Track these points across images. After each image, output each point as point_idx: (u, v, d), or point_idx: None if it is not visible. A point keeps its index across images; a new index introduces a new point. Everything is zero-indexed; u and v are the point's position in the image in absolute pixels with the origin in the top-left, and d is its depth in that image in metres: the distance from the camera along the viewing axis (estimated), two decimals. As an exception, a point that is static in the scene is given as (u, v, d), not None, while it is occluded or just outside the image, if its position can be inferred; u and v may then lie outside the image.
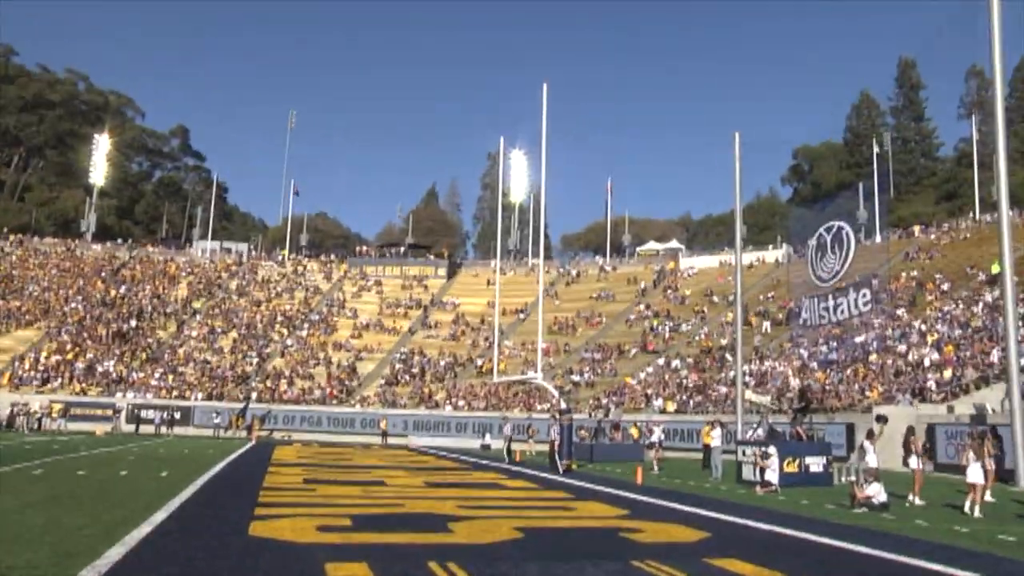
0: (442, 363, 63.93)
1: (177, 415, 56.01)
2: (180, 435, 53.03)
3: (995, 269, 46.62)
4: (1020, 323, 31.19)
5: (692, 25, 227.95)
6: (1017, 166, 76.77)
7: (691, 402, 48.12)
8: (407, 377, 62.05)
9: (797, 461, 25.73)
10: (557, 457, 29.84)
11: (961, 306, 46.68)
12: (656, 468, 31.76)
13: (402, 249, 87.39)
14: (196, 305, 74.36)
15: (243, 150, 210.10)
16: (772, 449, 25.04)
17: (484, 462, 34.20)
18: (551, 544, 13.17)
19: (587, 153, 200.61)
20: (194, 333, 68.85)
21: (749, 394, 35.63)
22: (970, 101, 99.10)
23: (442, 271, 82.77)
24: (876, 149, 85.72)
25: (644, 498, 20.33)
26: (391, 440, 50.64)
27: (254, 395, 58.44)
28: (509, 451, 36.80)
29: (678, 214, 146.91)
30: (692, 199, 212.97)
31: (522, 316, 70.16)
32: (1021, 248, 44.06)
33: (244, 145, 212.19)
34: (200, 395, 58.30)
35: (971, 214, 70.76)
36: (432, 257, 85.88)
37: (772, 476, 24.08)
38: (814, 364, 47.24)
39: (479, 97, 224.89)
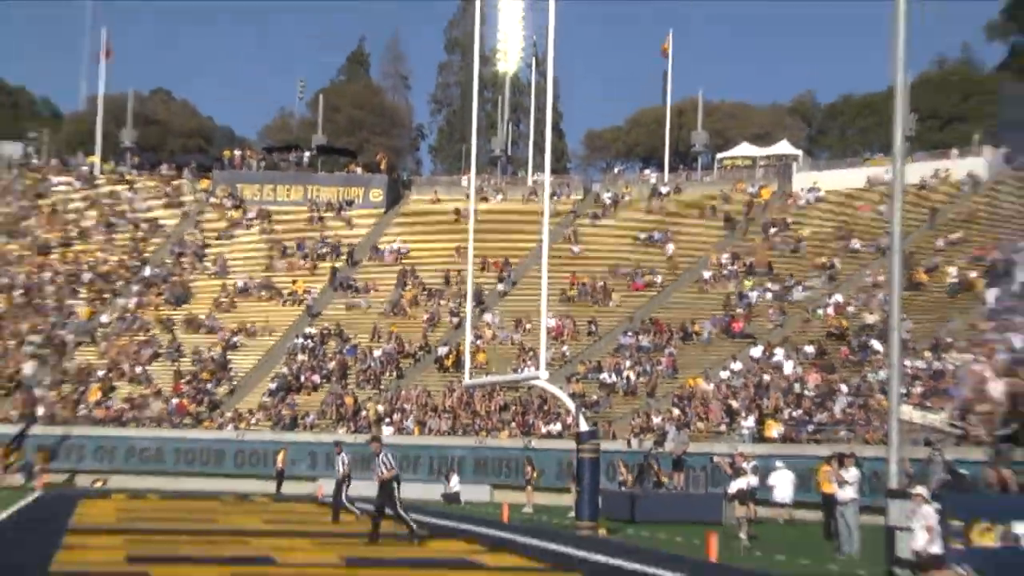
0: (377, 353, 54.65)
1: None
2: None
3: None
4: None
5: None
6: None
7: (809, 423, 42.54)
8: (316, 378, 53.10)
9: (1000, 527, 20.96)
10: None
11: None
12: (744, 536, 26.11)
13: (306, 156, 71.55)
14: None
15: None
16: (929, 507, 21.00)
17: (447, 524, 29.40)
18: None
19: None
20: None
21: (911, 411, 32.10)
22: None
23: (377, 194, 69.62)
24: None
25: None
26: (289, 487, 45.03)
27: (40, 410, 49.98)
28: (340, 502, 30.88)
29: (791, 96, 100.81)
30: (817, 71, 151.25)
31: (513, 273, 61.31)
32: None
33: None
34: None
35: None
36: (359, 171, 71.42)
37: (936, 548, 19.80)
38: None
39: None
